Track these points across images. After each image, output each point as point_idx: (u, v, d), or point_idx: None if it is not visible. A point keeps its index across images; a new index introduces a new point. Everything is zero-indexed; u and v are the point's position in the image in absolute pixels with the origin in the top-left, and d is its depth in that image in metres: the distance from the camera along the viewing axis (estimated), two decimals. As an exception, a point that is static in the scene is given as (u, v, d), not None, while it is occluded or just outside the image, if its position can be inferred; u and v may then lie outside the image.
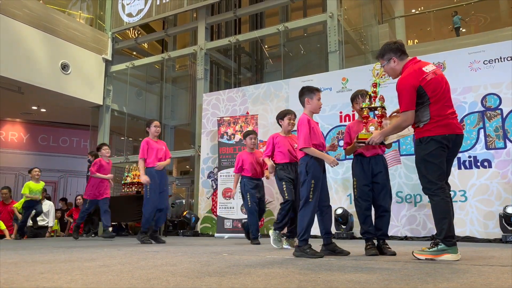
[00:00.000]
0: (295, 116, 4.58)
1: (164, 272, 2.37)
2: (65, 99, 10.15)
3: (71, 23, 10.26)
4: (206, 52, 9.84)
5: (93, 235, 7.85)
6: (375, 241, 3.57)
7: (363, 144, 3.39)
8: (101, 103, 10.88)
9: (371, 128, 3.41)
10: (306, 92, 3.57)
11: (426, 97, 2.94)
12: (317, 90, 3.58)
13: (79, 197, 9.32)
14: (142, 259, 3.19)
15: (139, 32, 12.60)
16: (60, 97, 9.91)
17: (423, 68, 3.00)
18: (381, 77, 3.48)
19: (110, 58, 11.15)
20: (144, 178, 5.38)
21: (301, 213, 3.33)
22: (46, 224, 8.57)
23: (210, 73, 10.37)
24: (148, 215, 5.45)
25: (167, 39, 12.36)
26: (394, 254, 3.38)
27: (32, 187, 7.31)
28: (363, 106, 3.48)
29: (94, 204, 6.87)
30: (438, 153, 2.93)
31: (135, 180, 8.29)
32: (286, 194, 4.34)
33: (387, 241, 3.60)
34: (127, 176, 8.51)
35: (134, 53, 12.78)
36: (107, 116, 11.03)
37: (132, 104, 11.67)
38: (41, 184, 7.49)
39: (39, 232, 8.21)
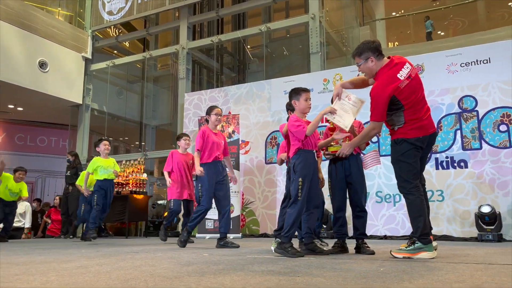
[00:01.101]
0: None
1: (142, 272, 2.35)
2: (43, 98, 9.94)
3: (49, 20, 10.06)
4: (188, 52, 9.79)
5: (71, 236, 7.71)
6: (358, 241, 3.62)
7: (333, 156, 3.48)
8: (81, 102, 10.71)
9: (341, 140, 3.46)
10: (293, 95, 3.58)
11: (400, 104, 2.99)
12: (304, 91, 3.53)
13: (57, 197, 9.15)
14: (121, 259, 3.15)
15: (120, 31, 12.44)
16: (38, 95, 9.71)
17: (398, 75, 2.98)
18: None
19: (90, 57, 10.98)
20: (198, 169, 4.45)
21: (289, 211, 3.34)
22: (22, 225, 8.38)
23: (192, 72, 10.32)
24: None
25: (148, 38, 12.25)
26: (372, 253, 3.43)
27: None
28: (329, 119, 3.47)
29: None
30: (412, 153, 3.00)
31: (115, 181, 8.17)
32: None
33: (366, 241, 3.64)
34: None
35: (115, 51, 12.61)
36: (87, 116, 10.86)
37: (113, 104, 11.51)
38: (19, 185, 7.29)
39: (15, 234, 8.01)
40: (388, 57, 3.14)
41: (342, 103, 3.28)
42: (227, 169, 4.68)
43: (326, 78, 7.20)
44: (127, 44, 12.92)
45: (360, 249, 3.53)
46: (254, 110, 7.68)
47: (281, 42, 11.59)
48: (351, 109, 3.23)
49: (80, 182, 6.83)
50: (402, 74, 2.99)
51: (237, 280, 2.02)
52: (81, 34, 10.92)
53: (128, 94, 12.05)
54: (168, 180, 5.62)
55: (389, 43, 14.63)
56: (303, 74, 7.92)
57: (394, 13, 15.33)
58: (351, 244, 3.74)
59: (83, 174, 6.78)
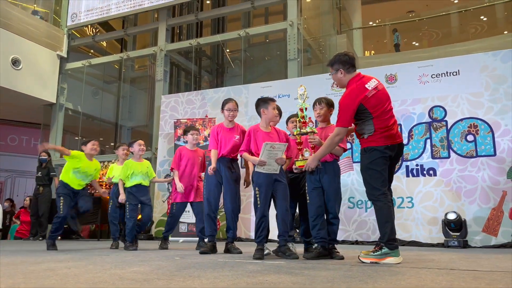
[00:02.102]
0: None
1: (112, 275, 2.34)
2: (15, 96, 9.69)
3: (24, 17, 9.84)
4: (166, 54, 9.75)
5: (40, 238, 7.53)
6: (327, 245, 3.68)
7: (301, 170, 3.55)
8: (54, 101, 10.49)
9: (306, 154, 3.51)
10: (261, 103, 3.80)
11: (367, 112, 3.12)
12: (271, 100, 3.80)
13: (27, 198, 8.92)
14: (90, 262, 3.12)
15: (97, 30, 12.27)
16: (9, 93, 9.46)
17: (366, 85, 3.15)
18: (306, 100, 3.58)
19: (65, 55, 10.79)
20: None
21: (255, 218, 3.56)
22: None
23: (170, 74, 10.27)
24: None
25: (126, 39, 12.12)
26: (342, 258, 3.49)
27: None
28: (295, 133, 3.59)
29: None
30: (381, 161, 3.11)
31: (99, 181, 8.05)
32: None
33: (336, 246, 3.70)
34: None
35: (92, 51, 12.43)
36: (61, 115, 10.65)
37: (88, 104, 11.33)
38: None
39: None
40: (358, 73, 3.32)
41: (268, 153, 3.53)
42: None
43: (303, 85, 7.29)
44: (104, 44, 12.75)
45: (331, 254, 3.56)
46: (231, 114, 7.72)
47: (259, 48, 11.69)
48: (278, 153, 3.54)
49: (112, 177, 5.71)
50: (370, 85, 3.17)
51: (206, 283, 2.04)
52: (56, 32, 10.72)
53: (104, 94, 11.88)
54: (177, 181, 4.95)
55: (366, 52, 14.94)
56: (280, 80, 8.01)
57: (371, 23, 15.68)
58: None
59: (111, 169, 5.79)
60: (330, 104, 3.74)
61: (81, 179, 4.88)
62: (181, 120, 7.74)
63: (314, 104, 3.84)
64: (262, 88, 7.67)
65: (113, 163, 6.60)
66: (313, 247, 3.69)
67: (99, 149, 5.22)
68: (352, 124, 3.31)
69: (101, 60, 11.11)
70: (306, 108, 3.57)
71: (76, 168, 4.81)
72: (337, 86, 3.47)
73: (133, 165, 5.01)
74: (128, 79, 12.16)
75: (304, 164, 3.44)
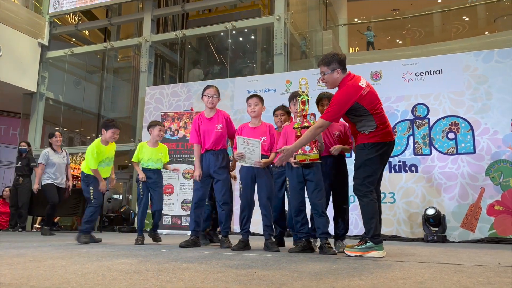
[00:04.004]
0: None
1: (100, 267, 2.33)
2: (-7, 84, 9.46)
3: (4, 2, 9.56)
4: (151, 45, 9.64)
5: (20, 229, 7.39)
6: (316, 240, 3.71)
7: (300, 164, 3.49)
8: (35, 90, 10.27)
9: (307, 148, 3.42)
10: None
11: (363, 109, 3.14)
12: (249, 98, 3.92)
13: (6, 189, 8.73)
14: (76, 254, 3.10)
15: (80, 18, 12.03)
16: (-12, 81, 9.22)
17: (360, 84, 3.17)
18: (308, 93, 3.51)
19: (46, 43, 10.55)
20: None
21: None
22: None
23: (155, 66, 10.17)
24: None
25: (110, 28, 11.93)
26: (334, 253, 3.36)
27: None
28: (295, 126, 3.50)
29: None
30: (379, 159, 3.17)
31: (72, 173, 7.93)
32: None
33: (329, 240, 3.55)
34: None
35: (74, 39, 12.18)
36: (41, 104, 10.43)
37: (70, 93, 11.12)
38: None
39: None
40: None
41: (243, 147, 3.61)
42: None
43: (289, 80, 7.33)
44: (87, 33, 12.52)
45: (323, 249, 3.44)
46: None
47: (246, 41, 11.66)
48: (254, 149, 3.59)
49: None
50: (362, 83, 3.18)
51: (196, 275, 2.06)
52: (38, 20, 10.46)
53: (86, 84, 11.68)
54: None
55: (351, 48, 15.08)
56: (267, 74, 8.03)
57: (356, 19, 15.81)
58: (289, 242, 3.87)
59: (141, 148, 4.73)
60: None
61: (106, 165, 4.71)
62: (168, 113, 7.68)
63: (320, 99, 3.77)
64: (248, 82, 7.67)
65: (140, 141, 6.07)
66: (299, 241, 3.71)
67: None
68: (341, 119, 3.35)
69: (83, 50, 10.91)
70: (308, 101, 3.50)
71: (102, 159, 4.61)
72: (328, 86, 3.36)
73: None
74: (111, 70, 11.97)
75: (305, 158, 3.39)
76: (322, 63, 3.29)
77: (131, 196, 8.89)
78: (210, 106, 4.10)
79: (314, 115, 3.51)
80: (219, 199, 3.99)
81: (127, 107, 12.10)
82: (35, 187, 6.82)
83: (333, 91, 3.39)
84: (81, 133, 13.23)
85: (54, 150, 6.60)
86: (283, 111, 4.13)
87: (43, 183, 6.54)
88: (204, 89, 4.14)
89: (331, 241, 3.65)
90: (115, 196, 10.51)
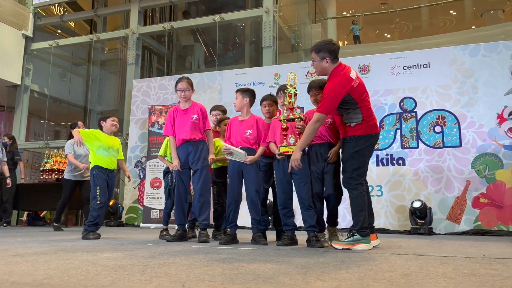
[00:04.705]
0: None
1: (84, 262, 2.29)
2: (-24, 76, 9.25)
3: (-14, -8, 9.34)
4: (139, 37, 9.51)
5: (5, 224, 7.28)
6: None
7: (284, 156, 3.46)
8: (19, 83, 10.08)
9: (291, 140, 3.43)
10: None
11: (353, 101, 3.14)
12: (237, 91, 3.96)
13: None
14: (60, 249, 3.05)
15: (65, 10, 11.81)
16: (-30, 73, 9.01)
17: (350, 75, 3.16)
18: (295, 87, 3.50)
19: (31, 35, 10.34)
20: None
21: None
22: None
23: (142, 58, 10.04)
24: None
25: (96, 20, 11.73)
26: (322, 246, 3.35)
27: None
28: (281, 118, 3.48)
29: None
30: (366, 151, 3.18)
31: (55, 167, 7.83)
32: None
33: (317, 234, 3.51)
34: (46, 162, 8.00)
35: (59, 31, 11.96)
36: (26, 97, 10.24)
37: (55, 86, 10.93)
38: None
39: None
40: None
41: (233, 149, 3.64)
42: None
43: (277, 73, 7.30)
44: (72, 24, 12.30)
45: (310, 242, 3.43)
46: (205, 101, 7.63)
47: (235, 34, 11.58)
48: (240, 155, 3.61)
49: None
50: (353, 74, 3.18)
51: (182, 269, 2.03)
52: (21, 10, 10.24)
53: (72, 77, 11.49)
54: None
55: (339, 42, 15.08)
56: (255, 67, 7.98)
57: (345, 13, 15.81)
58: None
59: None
60: None
61: (112, 155, 4.52)
62: (155, 107, 7.60)
63: (310, 88, 3.68)
64: (236, 75, 7.62)
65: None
66: (285, 234, 3.70)
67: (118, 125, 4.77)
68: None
69: (69, 41, 10.72)
70: (295, 94, 3.49)
71: (100, 146, 4.46)
72: (317, 73, 3.39)
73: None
74: (97, 62, 11.80)
75: (288, 150, 3.38)
76: (313, 49, 3.29)
77: (118, 190, 8.80)
78: (184, 100, 4.07)
79: (300, 108, 3.53)
80: (195, 190, 3.92)
81: (114, 100, 11.95)
82: (84, 166, 5.70)
83: (325, 80, 3.38)
84: (67, 126, 13.05)
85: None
86: (271, 101, 3.95)
87: (64, 177, 6.12)
88: (176, 84, 4.10)
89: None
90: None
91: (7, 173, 7.12)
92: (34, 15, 10.46)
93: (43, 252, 2.80)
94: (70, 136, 6.09)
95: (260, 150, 3.74)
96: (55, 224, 6.15)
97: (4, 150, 7.33)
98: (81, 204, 7.87)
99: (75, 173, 6.00)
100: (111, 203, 8.48)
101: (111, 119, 4.60)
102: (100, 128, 4.60)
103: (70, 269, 2.01)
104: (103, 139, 4.50)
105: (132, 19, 9.64)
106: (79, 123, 6.21)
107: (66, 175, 6.09)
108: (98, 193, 4.35)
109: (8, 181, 7.13)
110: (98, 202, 4.33)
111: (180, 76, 4.58)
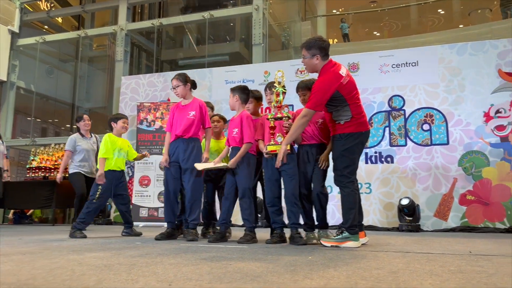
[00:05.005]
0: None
1: (69, 261, 2.26)
2: (-39, 72, 9.07)
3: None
4: (127, 33, 9.41)
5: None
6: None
7: (272, 155, 3.44)
8: (5, 79, 9.91)
9: (279, 139, 3.41)
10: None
11: (342, 99, 3.14)
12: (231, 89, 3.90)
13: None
14: (46, 248, 3.01)
15: (52, 5, 11.64)
16: (-45, 69, 8.83)
17: (340, 72, 3.16)
18: (283, 85, 3.48)
19: (17, 31, 10.17)
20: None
21: None
22: None
23: (131, 55, 9.94)
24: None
25: (84, 15, 11.58)
26: (304, 243, 3.40)
27: None
28: (269, 117, 3.47)
29: None
30: (355, 149, 3.18)
31: (42, 165, 7.72)
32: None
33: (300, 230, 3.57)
34: (32, 160, 7.88)
35: (46, 27, 11.78)
36: (12, 94, 10.07)
37: (42, 83, 10.77)
38: None
39: None
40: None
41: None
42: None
43: (267, 71, 7.29)
44: (59, 20, 12.13)
45: (294, 239, 3.48)
46: (194, 98, 7.60)
47: (224, 31, 11.53)
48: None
49: None
50: (343, 71, 3.17)
51: (170, 268, 2.02)
52: (7, 6, 10.05)
53: (59, 73, 11.34)
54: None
55: (329, 40, 15.11)
56: (245, 65, 7.96)
57: (334, 11, 15.84)
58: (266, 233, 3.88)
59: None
60: None
61: (122, 157, 4.50)
62: (144, 104, 7.54)
63: (298, 89, 3.70)
64: (226, 73, 7.59)
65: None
66: (274, 232, 3.70)
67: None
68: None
69: (56, 37, 10.56)
70: (284, 93, 3.47)
71: (116, 148, 4.42)
72: (307, 70, 3.38)
73: None
74: (85, 58, 11.65)
75: (276, 148, 3.36)
76: (303, 46, 3.28)
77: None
78: (179, 97, 4.07)
79: (288, 106, 3.52)
80: (186, 189, 3.89)
81: (103, 97, 11.83)
82: (58, 176, 5.93)
83: (313, 80, 3.38)
84: (54, 124, 12.89)
85: (82, 135, 5.83)
86: (252, 99, 3.93)
87: (70, 172, 5.76)
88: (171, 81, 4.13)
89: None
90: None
91: (5, 166, 6.84)
92: (20, 10, 10.30)
93: (28, 251, 2.75)
94: (78, 129, 5.91)
95: (242, 149, 3.66)
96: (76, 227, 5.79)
97: (4, 143, 7.09)
98: (70, 201, 7.79)
99: (80, 168, 5.65)
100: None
101: (121, 120, 4.53)
102: (111, 129, 4.54)
103: (55, 269, 1.98)
104: (117, 142, 4.44)
105: (120, 15, 9.54)
106: (85, 116, 5.89)
107: (72, 169, 5.68)
108: (98, 192, 4.27)
109: (6, 175, 6.87)
110: (94, 200, 4.26)
111: (169, 72, 4.51)
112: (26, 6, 10.64)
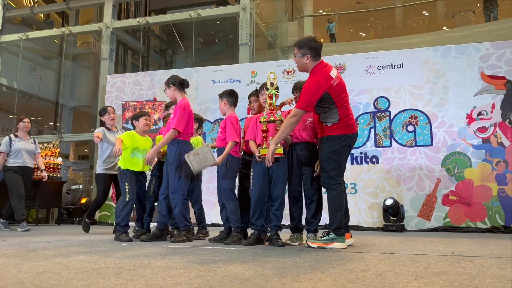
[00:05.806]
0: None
1: (56, 264, 2.24)
2: None
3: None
4: (113, 31, 9.31)
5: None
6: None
7: (264, 159, 3.39)
8: (-13, 76, 9.71)
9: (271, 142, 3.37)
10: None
11: (331, 101, 3.17)
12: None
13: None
14: (31, 250, 2.97)
15: (35, 1, 11.43)
16: None
17: (330, 73, 3.19)
18: (276, 88, 3.48)
19: (-1, 27, 9.97)
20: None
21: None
22: None
23: (116, 53, 9.84)
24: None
25: (68, 12, 11.41)
26: (282, 245, 3.39)
27: None
28: (261, 120, 3.46)
29: None
30: (342, 151, 3.21)
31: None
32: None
33: (280, 232, 3.59)
34: (15, 159, 7.72)
35: (29, 23, 11.57)
36: (-6, 91, 9.88)
37: (25, 80, 10.58)
38: None
39: None
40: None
41: (197, 161, 3.61)
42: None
43: (254, 71, 7.30)
44: (43, 16, 11.92)
45: (272, 240, 3.47)
46: (181, 98, 7.57)
47: (211, 30, 11.49)
48: (207, 154, 3.61)
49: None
50: (333, 73, 3.20)
51: (158, 271, 2.02)
52: (-11, 1, 9.85)
53: (43, 70, 11.14)
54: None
55: (316, 40, 15.18)
56: (232, 64, 7.95)
57: (321, 11, 15.93)
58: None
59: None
60: None
61: (142, 157, 4.26)
62: (130, 103, 7.47)
63: (294, 89, 3.70)
64: (213, 72, 7.57)
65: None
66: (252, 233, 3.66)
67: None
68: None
69: (40, 34, 10.38)
70: (276, 95, 3.47)
71: (135, 149, 4.28)
72: (298, 69, 3.38)
73: None
74: (70, 56, 11.48)
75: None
76: (296, 44, 3.30)
77: (92, 186, 8.62)
78: (172, 100, 4.14)
79: (281, 109, 3.55)
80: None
81: (87, 96, 11.67)
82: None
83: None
84: (37, 122, 12.66)
85: (108, 129, 5.37)
86: (256, 97, 3.92)
87: (96, 172, 5.37)
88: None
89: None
90: (74, 187, 10.17)
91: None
92: (3, 6, 10.09)
93: (13, 254, 2.72)
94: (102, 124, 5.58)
95: (227, 147, 3.65)
96: (87, 220, 5.37)
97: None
98: (52, 202, 7.68)
99: (106, 166, 5.21)
100: (83, 201, 8.33)
101: (143, 118, 4.36)
102: (133, 127, 4.44)
103: (42, 273, 1.97)
104: (138, 141, 4.32)
105: (106, 12, 9.42)
106: (109, 108, 5.48)
107: (97, 170, 5.32)
108: (127, 189, 4.16)
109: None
110: (126, 199, 4.13)
111: (155, 71, 4.50)
112: (9, 2, 10.43)
